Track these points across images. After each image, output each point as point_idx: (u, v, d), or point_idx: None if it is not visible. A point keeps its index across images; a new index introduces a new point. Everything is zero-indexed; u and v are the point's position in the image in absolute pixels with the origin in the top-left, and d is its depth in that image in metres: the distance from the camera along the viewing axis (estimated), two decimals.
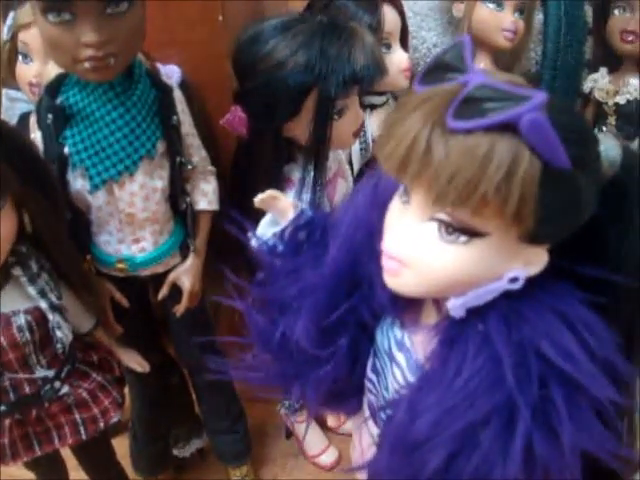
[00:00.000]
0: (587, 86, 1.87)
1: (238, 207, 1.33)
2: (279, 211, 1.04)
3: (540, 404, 0.73)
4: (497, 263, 0.74)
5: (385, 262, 0.80)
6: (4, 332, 1.12)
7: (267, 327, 0.99)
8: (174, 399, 1.68)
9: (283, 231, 1.01)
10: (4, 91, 1.72)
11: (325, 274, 0.93)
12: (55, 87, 1.18)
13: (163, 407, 1.61)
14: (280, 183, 1.31)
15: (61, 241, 1.17)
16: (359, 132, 1.32)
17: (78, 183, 1.20)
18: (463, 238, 0.72)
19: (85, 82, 1.13)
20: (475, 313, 0.79)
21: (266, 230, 1.05)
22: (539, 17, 1.87)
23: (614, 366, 0.75)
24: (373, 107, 1.61)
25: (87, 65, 1.04)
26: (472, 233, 0.72)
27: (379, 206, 0.87)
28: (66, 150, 1.17)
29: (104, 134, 1.15)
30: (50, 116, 1.16)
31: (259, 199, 1.04)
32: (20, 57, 1.62)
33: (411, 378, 0.89)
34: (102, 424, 1.28)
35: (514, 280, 0.75)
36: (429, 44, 1.96)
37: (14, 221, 1.07)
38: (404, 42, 1.62)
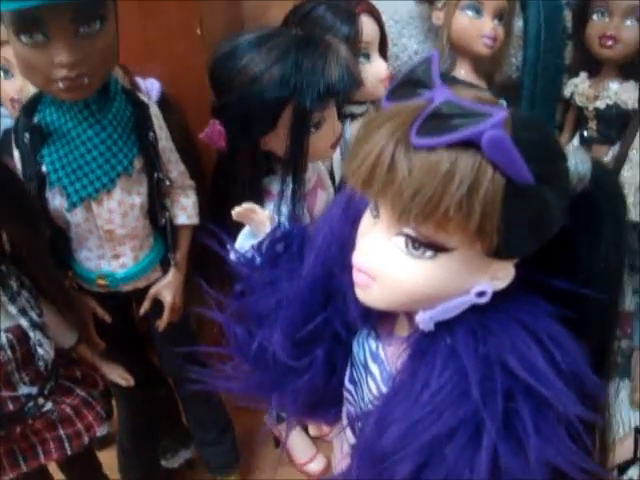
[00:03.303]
0: (567, 91, 1.88)
1: (219, 220, 1.35)
2: (257, 224, 1.05)
3: (506, 417, 0.73)
4: (463, 278, 0.75)
5: (355, 275, 0.81)
6: None
7: (245, 338, 1.00)
8: (161, 411, 1.69)
9: (260, 243, 1.02)
10: None
11: (300, 287, 0.94)
12: (31, 106, 1.19)
13: (150, 419, 1.62)
14: (259, 195, 1.32)
15: (41, 259, 1.18)
16: (337, 143, 1.33)
17: (56, 201, 1.20)
18: (429, 253, 0.73)
19: (60, 101, 1.14)
20: (443, 326, 0.79)
21: (244, 242, 1.07)
22: (519, 23, 1.88)
23: (583, 380, 0.76)
24: (353, 116, 1.62)
25: (61, 85, 1.05)
26: (437, 248, 0.73)
27: (352, 220, 0.88)
28: (44, 169, 1.18)
29: (80, 152, 1.15)
30: (27, 135, 1.17)
31: (237, 212, 1.05)
32: (1, 73, 1.62)
33: (384, 389, 0.89)
34: (86, 439, 1.28)
35: (481, 294, 0.75)
36: (410, 51, 1.98)
37: None
38: (383, 51, 1.63)
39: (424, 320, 0.79)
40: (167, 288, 1.35)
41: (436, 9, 1.82)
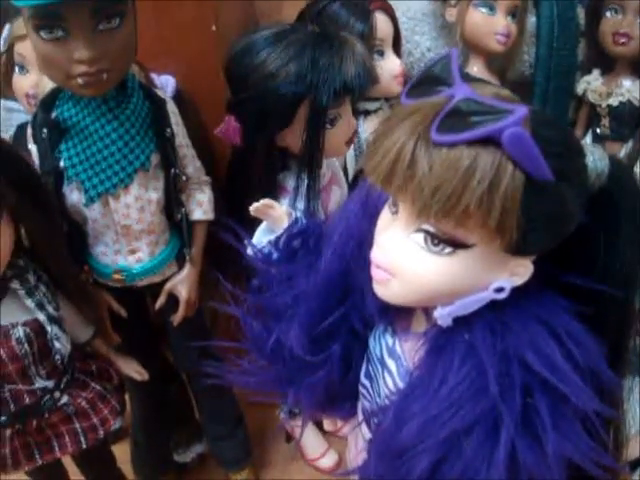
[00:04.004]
0: (580, 88, 1.88)
1: (234, 216, 1.35)
2: (274, 219, 1.06)
3: (524, 413, 0.74)
4: (482, 274, 0.76)
5: (373, 271, 0.82)
6: (3, 345, 1.13)
7: (262, 333, 1.01)
8: (174, 405, 1.70)
9: (278, 239, 1.03)
10: (1, 102, 1.74)
11: (317, 282, 0.94)
12: (50, 101, 1.19)
13: (163, 413, 1.63)
14: (274, 191, 1.32)
15: (58, 254, 1.19)
16: (352, 140, 1.33)
17: (74, 196, 1.21)
18: (448, 249, 0.74)
19: (79, 97, 1.15)
20: (461, 322, 0.80)
21: (261, 238, 1.07)
22: (532, 20, 1.88)
23: (599, 376, 0.77)
24: (367, 113, 1.63)
25: (80, 81, 1.06)
26: (457, 244, 0.73)
27: (370, 216, 0.88)
28: (61, 164, 1.18)
29: (98, 148, 1.16)
30: (45, 130, 1.18)
31: (254, 208, 1.06)
32: (17, 68, 1.63)
33: (401, 385, 0.90)
34: (102, 432, 1.29)
35: (499, 290, 0.76)
36: (423, 48, 1.97)
37: (11, 235, 1.08)
38: (397, 48, 1.64)
39: (442, 316, 0.80)
40: (182, 283, 1.36)
41: (449, 6, 1.82)
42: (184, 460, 1.77)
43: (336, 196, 1.41)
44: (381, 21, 1.56)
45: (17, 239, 1.11)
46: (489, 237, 0.71)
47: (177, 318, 1.39)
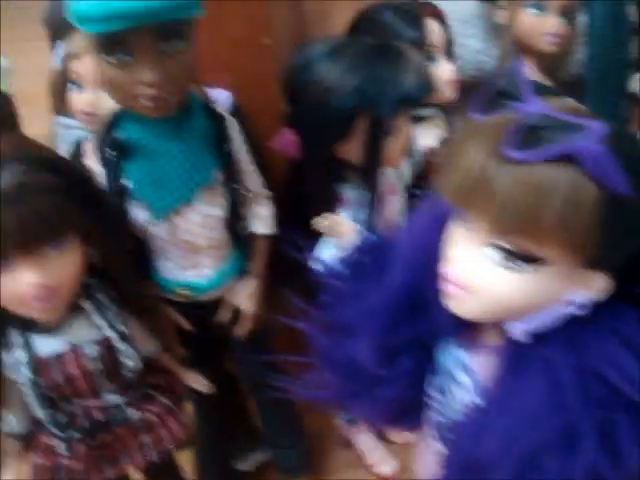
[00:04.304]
0: (633, 86, 1.85)
1: (292, 228, 1.36)
2: (341, 234, 1.06)
3: (604, 429, 0.73)
4: (559, 289, 0.75)
5: (445, 286, 0.82)
6: (76, 363, 1.15)
7: (331, 348, 1.01)
8: (234, 414, 1.71)
9: (345, 254, 1.03)
10: (57, 119, 1.77)
11: (386, 296, 0.95)
12: (113, 122, 1.21)
13: (225, 422, 1.64)
14: (333, 203, 1.33)
15: (127, 271, 1.21)
16: (410, 150, 1.33)
17: (139, 214, 1.23)
18: (524, 265, 0.74)
19: (142, 116, 1.16)
20: (538, 337, 0.80)
21: (327, 253, 1.08)
22: (582, 19, 1.86)
23: None
24: (420, 119, 1.62)
25: (145, 103, 1.08)
26: (533, 260, 0.73)
27: (439, 230, 0.88)
28: (127, 183, 1.20)
29: (162, 166, 1.18)
30: (110, 150, 1.20)
31: (321, 224, 1.06)
32: (72, 86, 1.65)
33: (473, 398, 0.90)
34: (170, 446, 1.31)
35: (577, 305, 0.76)
36: (472, 50, 1.96)
37: (83, 256, 1.10)
38: (449, 53, 1.63)
39: (518, 331, 0.80)
40: (246, 297, 1.37)
41: (499, 8, 1.81)
42: (244, 468, 1.78)
43: (394, 206, 1.41)
44: (433, 27, 1.55)
45: (87, 259, 1.13)
46: (567, 253, 0.70)
47: (241, 331, 1.40)
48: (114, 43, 1.03)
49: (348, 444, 1.88)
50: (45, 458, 1.25)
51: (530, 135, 0.69)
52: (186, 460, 1.66)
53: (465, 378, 0.92)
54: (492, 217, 0.71)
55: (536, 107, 0.72)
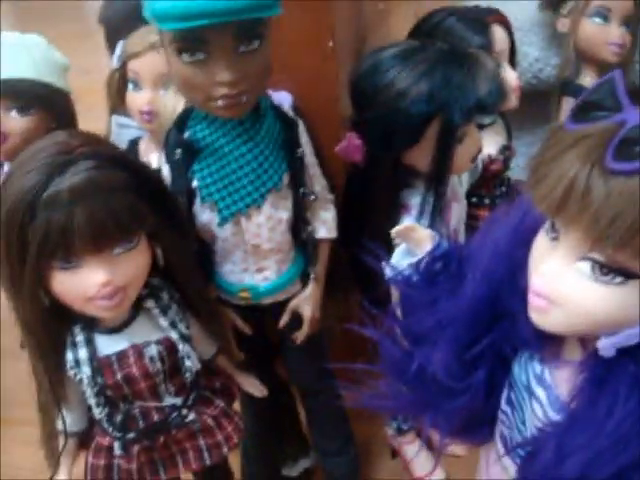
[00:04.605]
0: None
1: (351, 233, 1.35)
2: (415, 242, 1.05)
3: None
4: None
5: (532, 299, 0.80)
6: (137, 363, 1.14)
7: (403, 358, 0.99)
8: (283, 419, 1.70)
9: (419, 262, 1.02)
10: (113, 118, 1.77)
11: (464, 306, 0.93)
12: (182, 121, 1.20)
13: (274, 428, 1.63)
14: (396, 209, 1.31)
15: (191, 272, 1.20)
16: (477, 157, 1.32)
17: (205, 216, 1.22)
18: (618, 279, 0.72)
19: (213, 117, 1.15)
20: (626, 353, 0.77)
21: (400, 260, 1.06)
22: None
23: None
24: (481, 127, 1.60)
25: (220, 103, 1.06)
26: (628, 274, 0.71)
27: (523, 241, 0.87)
28: (194, 184, 1.19)
29: (233, 168, 1.16)
30: (179, 151, 1.18)
31: (397, 230, 1.05)
32: (130, 85, 1.66)
33: (552, 414, 0.88)
34: (226, 450, 1.29)
35: None
36: (531, 59, 1.95)
37: (149, 255, 1.09)
38: (512, 61, 1.61)
39: (606, 346, 0.77)
40: (306, 301, 1.35)
41: (561, 16, 1.80)
42: (291, 474, 1.77)
43: (455, 212, 1.39)
44: (498, 34, 1.53)
45: (152, 258, 1.12)
46: None
47: (300, 336, 1.39)
48: (191, 41, 1.02)
49: (395, 454, 1.86)
50: (99, 458, 1.24)
51: (630, 146, 0.67)
52: (233, 464, 1.66)
53: (541, 393, 0.90)
54: (587, 228, 0.70)
55: (636, 117, 0.70)
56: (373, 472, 1.84)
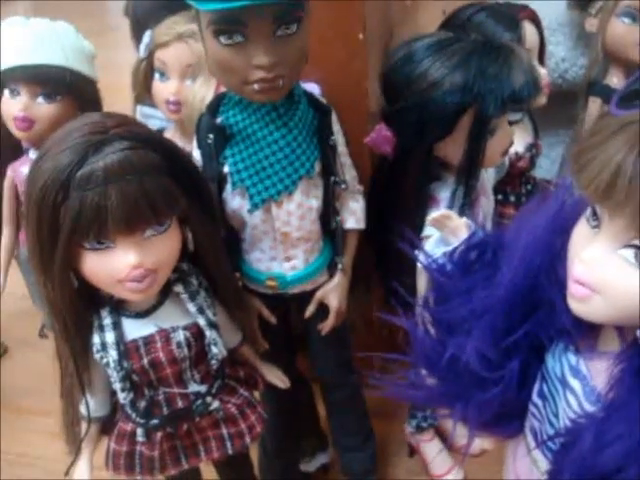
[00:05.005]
0: None
1: (379, 227, 1.34)
2: (451, 230, 1.04)
3: None
4: None
5: (572, 287, 0.79)
6: (164, 348, 1.14)
7: (435, 347, 0.99)
8: (302, 414, 1.69)
9: (454, 251, 1.01)
10: (138, 108, 1.77)
11: (501, 296, 0.92)
12: (215, 106, 1.20)
13: (293, 422, 1.62)
14: (425, 202, 1.30)
15: (220, 258, 1.19)
16: (507, 150, 1.31)
17: (235, 202, 1.21)
18: None
19: (247, 102, 1.15)
20: None
21: (435, 249, 1.05)
22: None
23: None
24: (510, 124, 1.59)
25: (256, 87, 1.06)
26: None
27: (562, 229, 0.86)
28: (226, 169, 1.19)
29: (265, 154, 1.16)
30: (211, 136, 1.18)
31: (432, 218, 1.04)
32: (157, 75, 1.65)
33: (587, 406, 0.87)
34: (248, 439, 1.28)
35: None
36: (557, 58, 1.94)
37: (180, 239, 1.09)
38: (541, 58, 1.60)
39: None
40: (333, 292, 1.34)
41: (589, 16, 1.79)
42: (309, 469, 1.76)
43: (483, 206, 1.38)
44: (529, 31, 1.53)
45: (183, 243, 1.12)
46: None
47: (326, 327, 1.38)
48: (230, 23, 1.01)
49: (412, 452, 1.85)
50: (121, 444, 1.23)
51: None
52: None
53: (576, 384, 0.89)
54: (633, 215, 0.69)
55: None
56: (389, 470, 1.83)
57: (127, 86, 1.75)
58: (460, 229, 1.02)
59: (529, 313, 0.91)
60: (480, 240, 1.00)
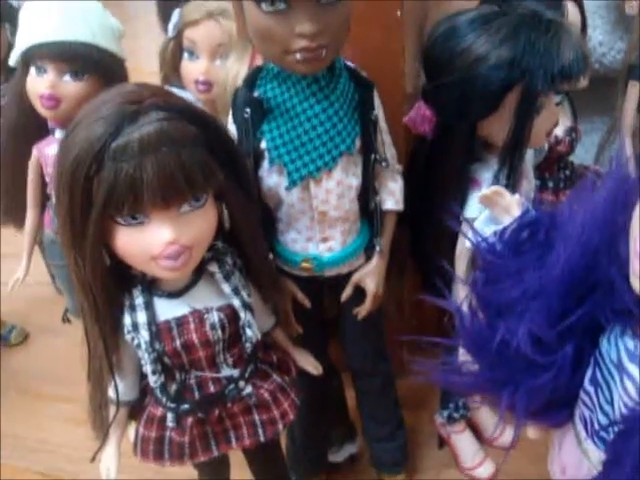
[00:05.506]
0: None
1: (416, 210, 1.29)
2: (502, 208, 0.99)
3: None
4: None
5: (636, 264, 0.75)
6: (197, 330, 1.10)
7: (483, 331, 0.94)
8: (331, 403, 1.65)
9: (504, 229, 0.96)
10: (166, 88, 1.73)
11: (556, 277, 0.87)
12: (252, 80, 1.15)
13: (323, 411, 1.58)
14: (465, 184, 1.26)
15: (256, 238, 1.15)
16: (552, 131, 1.26)
17: (272, 179, 1.17)
18: None
19: (285, 75, 1.11)
20: None
21: (485, 227, 1.01)
22: None
23: None
24: None
25: (298, 56, 1.02)
26: None
27: (623, 206, 0.82)
28: (263, 145, 1.14)
29: (305, 129, 1.11)
30: (248, 110, 1.14)
31: (483, 195, 0.99)
32: (186, 54, 1.62)
33: None
34: (280, 426, 1.24)
35: None
36: (595, 42, 1.90)
37: (216, 216, 1.05)
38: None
39: None
40: (371, 275, 1.30)
41: None
42: (337, 460, 1.72)
43: (524, 189, 1.33)
44: (571, 10, 1.49)
45: (218, 221, 1.08)
46: None
47: (362, 311, 1.33)
48: None
49: (442, 443, 1.81)
50: (150, 429, 1.20)
51: None
52: None
53: (635, 369, 0.85)
54: None
55: None
56: (418, 461, 1.78)
57: (148, 73, 1.71)
58: (512, 207, 0.98)
59: (586, 294, 0.87)
60: (533, 219, 0.96)
